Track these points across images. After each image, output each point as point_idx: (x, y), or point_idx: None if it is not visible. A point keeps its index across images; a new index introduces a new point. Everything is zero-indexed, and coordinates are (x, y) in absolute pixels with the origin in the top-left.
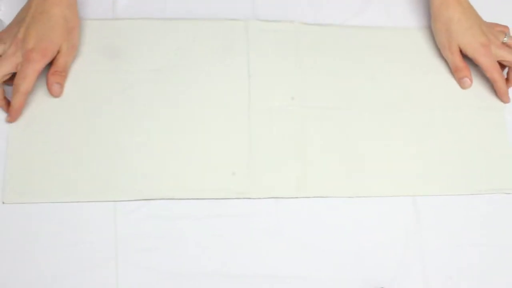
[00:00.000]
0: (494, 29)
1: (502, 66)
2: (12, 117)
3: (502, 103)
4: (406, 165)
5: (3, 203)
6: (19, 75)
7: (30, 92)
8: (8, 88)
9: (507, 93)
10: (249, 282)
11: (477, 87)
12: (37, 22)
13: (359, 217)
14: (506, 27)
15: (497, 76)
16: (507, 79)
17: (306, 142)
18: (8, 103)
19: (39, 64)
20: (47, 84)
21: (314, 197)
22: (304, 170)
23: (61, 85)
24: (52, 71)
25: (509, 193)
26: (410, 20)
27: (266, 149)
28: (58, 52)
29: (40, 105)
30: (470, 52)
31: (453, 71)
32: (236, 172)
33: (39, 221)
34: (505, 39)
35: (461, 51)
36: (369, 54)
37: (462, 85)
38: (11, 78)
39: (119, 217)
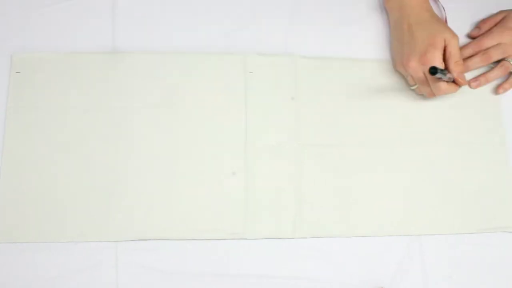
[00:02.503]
0: None
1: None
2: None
3: (504, 139)
4: (405, 203)
5: None
6: None
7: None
8: None
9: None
10: (250, 282)
11: (479, 122)
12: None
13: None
14: None
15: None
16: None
17: (302, 181)
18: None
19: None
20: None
21: (311, 237)
22: (300, 210)
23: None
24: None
25: None
26: None
27: (262, 189)
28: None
29: (34, 142)
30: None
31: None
32: (232, 212)
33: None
34: None
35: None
36: (366, 88)
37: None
38: None
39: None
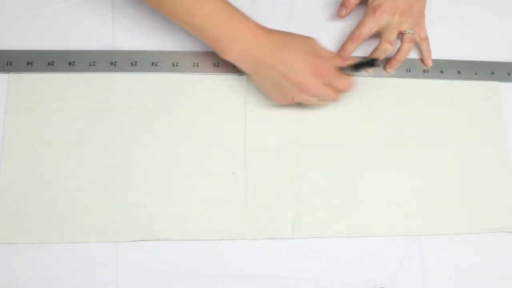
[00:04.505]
0: None
1: None
2: None
3: (505, 139)
4: (405, 203)
5: None
6: None
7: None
8: None
9: None
10: (250, 282)
11: (480, 122)
12: None
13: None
14: None
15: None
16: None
17: (302, 181)
18: None
19: None
20: None
21: (311, 237)
22: (300, 210)
23: None
24: None
25: None
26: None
27: (262, 189)
28: None
29: (34, 142)
30: None
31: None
32: (232, 213)
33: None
34: None
35: None
36: (367, 88)
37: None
38: None
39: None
